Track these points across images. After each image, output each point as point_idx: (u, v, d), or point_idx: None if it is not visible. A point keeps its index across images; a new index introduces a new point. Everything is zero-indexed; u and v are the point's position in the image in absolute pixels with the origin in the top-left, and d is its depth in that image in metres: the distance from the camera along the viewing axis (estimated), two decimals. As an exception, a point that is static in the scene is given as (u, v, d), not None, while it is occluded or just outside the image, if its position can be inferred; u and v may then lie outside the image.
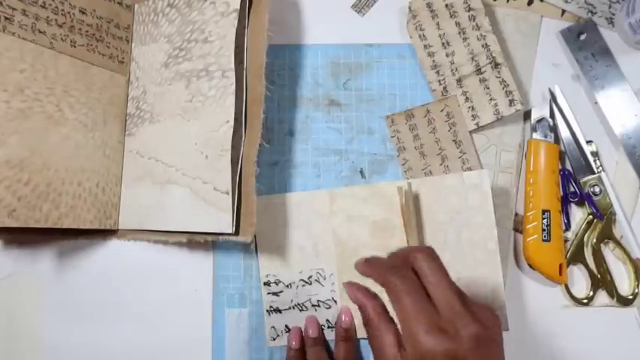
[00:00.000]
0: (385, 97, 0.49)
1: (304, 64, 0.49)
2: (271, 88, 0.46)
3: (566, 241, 0.46)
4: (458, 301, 0.31)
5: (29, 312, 0.47)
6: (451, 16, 0.48)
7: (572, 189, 0.47)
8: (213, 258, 0.47)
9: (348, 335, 0.44)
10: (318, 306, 0.46)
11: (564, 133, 0.47)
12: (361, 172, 0.48)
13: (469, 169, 0.46)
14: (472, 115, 0.47)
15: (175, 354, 0.46)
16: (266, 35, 0.43)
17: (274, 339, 0.46)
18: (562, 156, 0.47)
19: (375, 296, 0.36)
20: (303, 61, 0.49)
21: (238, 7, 0.43)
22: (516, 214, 0.47)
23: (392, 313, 0.34)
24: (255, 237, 0.45)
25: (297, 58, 0.49)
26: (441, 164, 0.47)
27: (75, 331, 0.47)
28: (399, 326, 0.33)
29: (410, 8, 0.48)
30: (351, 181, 0.48)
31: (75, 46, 0.45)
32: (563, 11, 0.50)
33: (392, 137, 0.48)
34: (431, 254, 0.34)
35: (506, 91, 0.46)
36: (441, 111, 0.47)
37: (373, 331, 0.34)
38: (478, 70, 0.47)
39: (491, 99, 0.46)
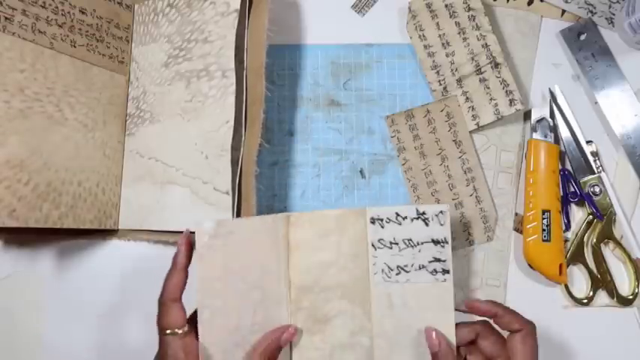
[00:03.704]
0: (385, 97, 0.49)
1: (304, 64, 0.49)
2: (271, 88, 0.46)
3: (566, 241, 0.46)
4: None
5: (29, 312, 0.47)
6: (451, 16, 0.48)
7: (572, 189, 0.47)
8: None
9: None
10: None
11: (564, 133, 0.47)
12: (361, 171, 0.48)
13: (469, 169, 0.47)
14: (472, 115, 0.47)
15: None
16: (266, 35, 0.43)
17: None
18: (562, 156, 0.47)
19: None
20: (303, 61, 0.49)
21: (238, 7, 0.43)
22: (516, 214, 0.47)
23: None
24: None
25: (297, 58, 0.49)
26: (440, 164, 0.47)
27: (75, 331, 0.47)
28: None
29: (410, 8, 0.48)
30: (351, 181, 0.48)
31: (75, 46, 0.45)
32: (563, 11, 0.50)
33: (392, 137, 0.48)
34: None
35: (506, 91, 0.46)
36: (441, 111, 0.47)
37: None
38: (478, 70, 0.47)
39: (491, 99, 0.46)
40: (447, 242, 0.40)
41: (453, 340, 0.39)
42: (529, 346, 0.38)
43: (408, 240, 0.41)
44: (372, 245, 0.41)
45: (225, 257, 0.38)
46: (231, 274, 0.38)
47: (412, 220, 0.41)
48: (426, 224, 0.41)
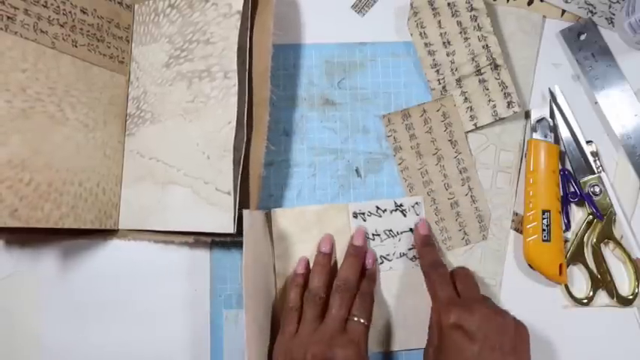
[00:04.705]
0: (380, 95, 0.49)
1: (298, 64, 0.49)
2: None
3: (566, 241, 0.46)
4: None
5: (29, 312, 0.47)
6: (453, 15, 0.47)
7: (572, 189, 0.47)
8: (210, 258, 0.47)
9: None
10: None
11: (564, 133, 0.47)
12: (357, 170, 0.48)
13: (464, 169, 0.47)
14: (470, 116, 0.47)
15: (174, 354, 0.46)
16: (271, 39, 0.43)
17: None
18: (562, 156, 0.47)
19: None
20: (297, 60, 0.49)
21: (241, 8, 0.43)
22: (516, 214, 0.47)
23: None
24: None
25: (292, 57, 0.49)
26: (436, 164, 0.47)
27: (75, 331, 0.47)
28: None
29: (412, 5, 0.48)
30: (347, 180, 0.48)
31: (76, 46, 0.45)
32: (563, 11, 0.49)
33: (388, 137, 0.48)
34: None
35: (504, 93, 0.46)
36: (437, 111, 0.47)
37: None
38: (478, 71, 0.47)
39: (489, 100, 0.46)
40: None
41: None
42: (434, 293, 0.41)
43: (389, 231, 0.46)
44: None
45: (254, 244, 0.42)
46: (256, 259, 0.42)
47: (391, 212, 0.46)
48: (404, 215, 0.46)
